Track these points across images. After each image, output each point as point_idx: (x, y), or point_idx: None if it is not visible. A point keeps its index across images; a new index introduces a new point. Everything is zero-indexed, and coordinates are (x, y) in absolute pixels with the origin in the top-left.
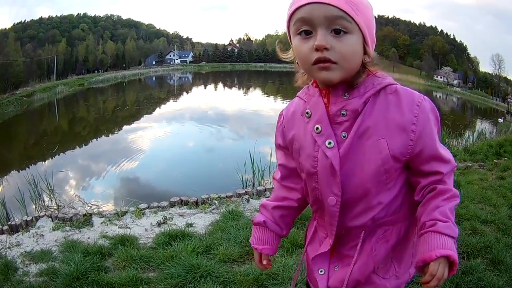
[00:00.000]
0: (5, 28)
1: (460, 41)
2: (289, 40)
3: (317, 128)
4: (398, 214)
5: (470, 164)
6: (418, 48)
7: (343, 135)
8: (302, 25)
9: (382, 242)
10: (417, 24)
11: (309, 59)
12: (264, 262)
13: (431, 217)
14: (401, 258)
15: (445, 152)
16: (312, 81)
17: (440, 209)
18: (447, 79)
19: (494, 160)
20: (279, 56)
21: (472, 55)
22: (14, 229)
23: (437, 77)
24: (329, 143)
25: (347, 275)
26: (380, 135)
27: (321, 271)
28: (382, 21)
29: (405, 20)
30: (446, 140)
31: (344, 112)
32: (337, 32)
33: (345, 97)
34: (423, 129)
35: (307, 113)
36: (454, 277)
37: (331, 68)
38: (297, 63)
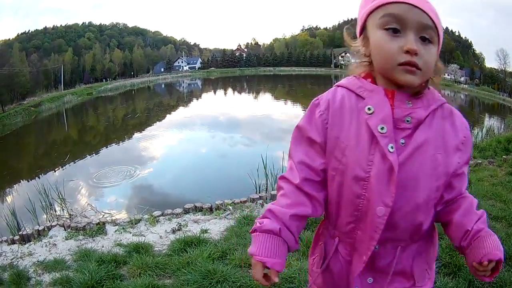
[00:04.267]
0: (9, 39)
1: (465, 37)
2: (359, 28)
3: (382, 128)
4: (429, 228)
5: (480, 161)
6: None
7: (402, 142)
8: (393, 21)
9: (418, 257)
10: None
11: (396, 58)
12: (275, 279)
13: (478, 226)
14: (432, 263)
15: None
16: (364, 75)
17: (482, 219)
18: (454, 76)
19: (503, 156)
20: (347, 42)
21: (477, 51)
22: (25, 239)
23: (444, 74)
24: (391, 147)
25: None
26: (437, 150)
27: None
28: None
29: None
30: None
31: (409, 119)
32: (423, 40)
33: (409, 105)
34: (468, 150)
35: (369, 108)
36: (467, 274)
37: (416, 73)
38: (365, 54)
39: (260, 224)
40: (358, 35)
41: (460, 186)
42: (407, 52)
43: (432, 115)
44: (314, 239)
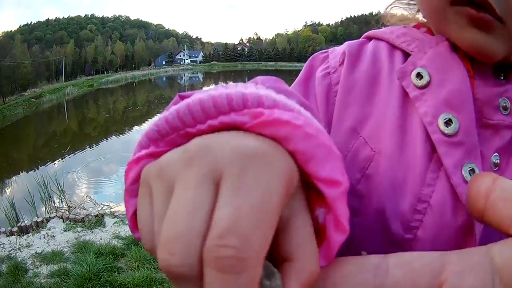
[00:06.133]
0: (11, 30)
1: None
2: None
3: (447, 122)
4: None
5: None
6: None
7: (495, 159)
8: None
9: None
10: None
11: None
12: None
13: None
14: None
15: None
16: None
17: None
18: None
19: None
20: None
21: None
22: (24, 231)
23: None
24: (471, 169)
25: None
26: None
27: None
28: None
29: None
30: None
31: (507, 104)
32: None
33: (501, 80)
34: None
35: (419, 74)
36: None
37: (493, 27)
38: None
39: None
40: None
41: None
42: None
43: None
44: None
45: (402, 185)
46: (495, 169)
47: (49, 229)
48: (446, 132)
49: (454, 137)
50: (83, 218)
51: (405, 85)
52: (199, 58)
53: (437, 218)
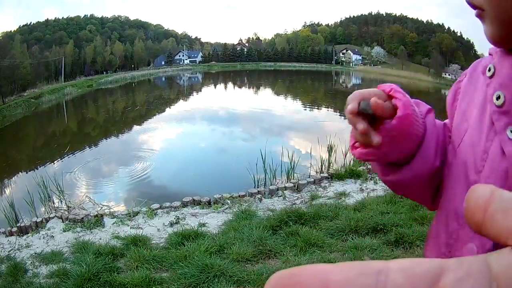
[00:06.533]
0: (11, 31)
1: (467, 38)
2: None
3: (498, 98)
4: None
5: None
6: (426, 45)
7: None
8: None
9: None
10: (424, 21)
11: None
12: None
13: None
14: None
15: None
16: None
17: None
18: (455, 76)
19: None
20: None
21: (479, 52)
22: (23, 231)
23: (445, 74)
24: None
25: None
26: None
27: None
28: (390, 19)
29: (412, 18)
30: None
31: None
32: None
33: None
34: None
35: (489, 69)
36: None
37: (483, 16)
38: None
39: None
40: None
41: None
42: None
43: None
44: None
45: (477, 144)
46: None
47: (49, 229)
48: (496, 104)
49: (502, 108)
50: (83, 218)
51: (484, 77)
52: (198, 58)
53: (491, 162)
